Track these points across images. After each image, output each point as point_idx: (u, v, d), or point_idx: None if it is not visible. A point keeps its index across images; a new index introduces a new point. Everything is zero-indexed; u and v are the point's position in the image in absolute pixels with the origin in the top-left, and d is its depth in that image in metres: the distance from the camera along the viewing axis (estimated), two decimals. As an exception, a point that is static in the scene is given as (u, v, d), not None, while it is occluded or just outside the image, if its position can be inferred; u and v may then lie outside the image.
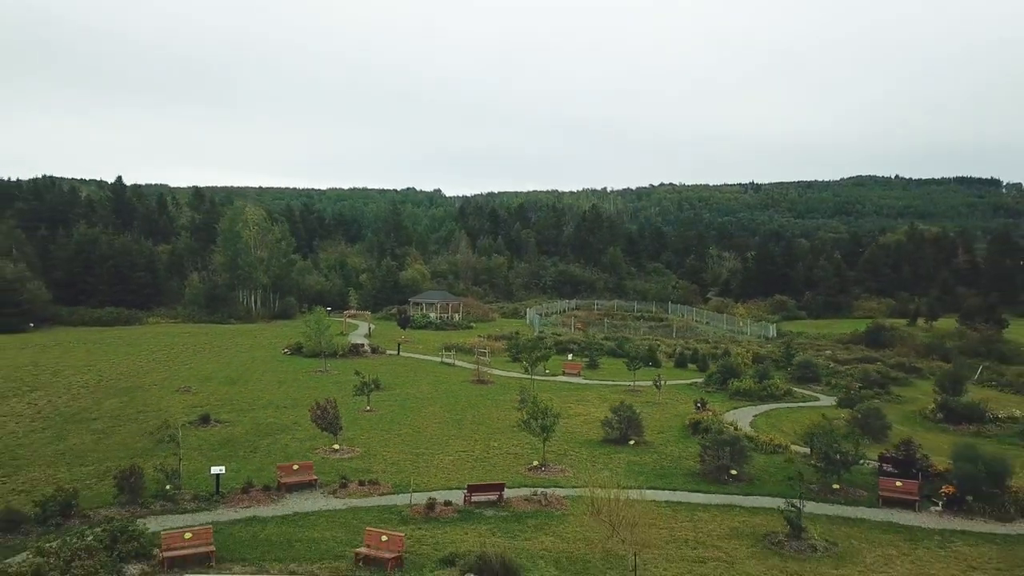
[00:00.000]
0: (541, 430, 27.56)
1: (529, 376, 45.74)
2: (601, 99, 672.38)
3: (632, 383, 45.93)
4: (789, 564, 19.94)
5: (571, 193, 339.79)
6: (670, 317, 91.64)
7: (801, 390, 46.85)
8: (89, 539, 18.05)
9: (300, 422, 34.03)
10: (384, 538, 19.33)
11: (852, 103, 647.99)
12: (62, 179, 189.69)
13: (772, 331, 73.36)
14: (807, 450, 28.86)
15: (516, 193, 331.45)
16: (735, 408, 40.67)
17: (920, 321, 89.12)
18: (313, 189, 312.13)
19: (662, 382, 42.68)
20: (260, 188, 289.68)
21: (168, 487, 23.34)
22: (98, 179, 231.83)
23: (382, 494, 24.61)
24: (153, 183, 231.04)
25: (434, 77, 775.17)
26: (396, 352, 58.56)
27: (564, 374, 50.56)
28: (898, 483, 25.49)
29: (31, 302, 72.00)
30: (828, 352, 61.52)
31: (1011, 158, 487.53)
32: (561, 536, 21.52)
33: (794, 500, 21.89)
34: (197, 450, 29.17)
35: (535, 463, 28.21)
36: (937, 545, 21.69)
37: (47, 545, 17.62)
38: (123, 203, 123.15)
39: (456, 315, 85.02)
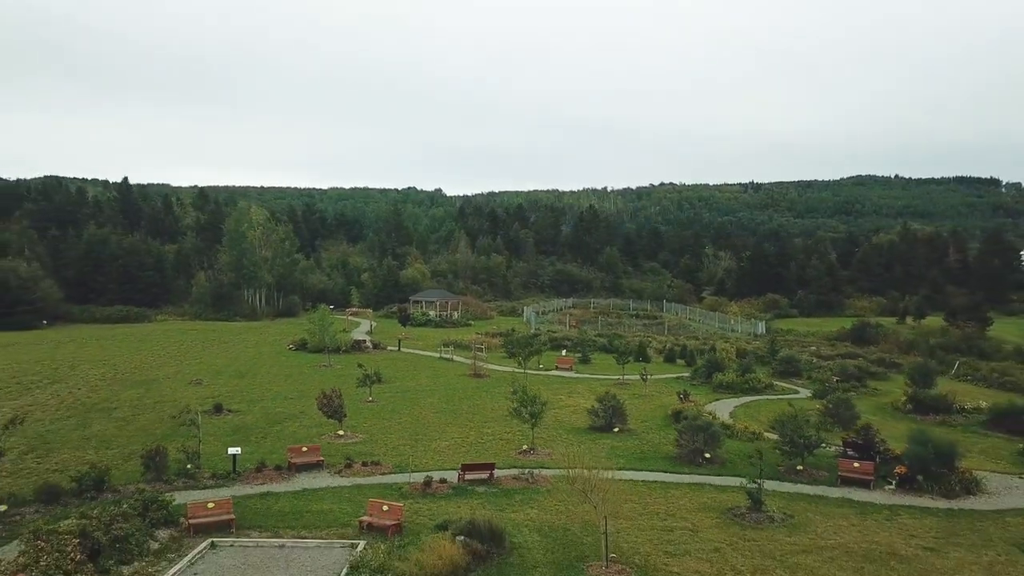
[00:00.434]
0: (530, 416, 29.89)
1: (523, 370, 48.05)
2: (601, 99, 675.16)
3: (621, 377, 48.26)
4: (747, 532, 22.26)
5: (571, 193, 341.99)
6: (664, 315, 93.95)
7: (783, 384, 49.17)
8: (124, 507, 20.42)
9: (307, 411, 36.45)
10: (385, 508, 21.69)
11: (852, 103, 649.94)
12: (64, 178, 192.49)
13: (761, 328, 75.67)
14: (777, 436, 31.14)
15: (517, 192, 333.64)
16: (718, 400, 42.98)
17: (909, 319, 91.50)
18: (314, 189, 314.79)
19: (648, 376, 44.96)
20: (261, 187, 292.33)
21: (189, 466, 25.70)
22: (100, 178, 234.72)
23: (383, 473, 26.98)
24: (155, 183, 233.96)
25: (435, 76, 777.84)
26: (397, 348, 60.95)
27: (557, 368, 52.92)
28: (856, 464, 27.83)
29: (44, 300, 74.59)
30: (813, 348, 63.84)
31: (1010, 158, 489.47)
32: (545, 509, 23.86)
33: (755, 478, 24.20)
34: (212, 436, 31.50)
35: (524, 447, 30.56)
36: (885, 518, 24.00)
37: (89, 510, 19.96)
38: (130, 204, 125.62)
39: (455, 313, 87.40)
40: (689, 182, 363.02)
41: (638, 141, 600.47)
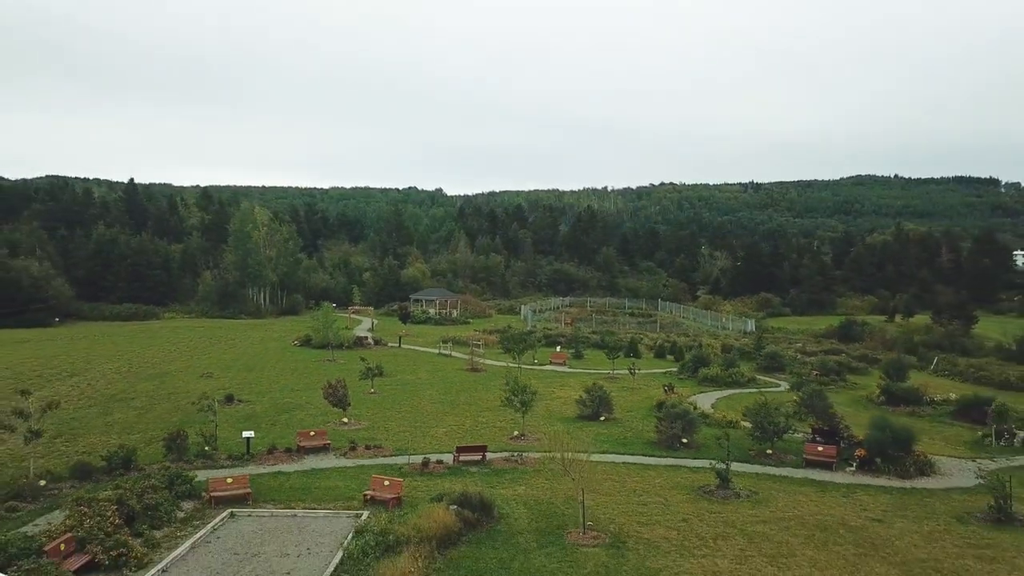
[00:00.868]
0: (520, 405, 32.20)
1: (517, 364, 50.36)
2: (601, 99, 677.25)
3: (611, 371, 50.59)
4: (714, 506, 24.59)
5: (572, 192, 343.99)
6: (658, 314, 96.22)
7: (767, 378, 51.48)
8: (153, 481, 22.79)
9: (312, 401, 38.82)
10: (386, 483, 24.04)
11: (852, 103, 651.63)
12: (67, 178, 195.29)
13: (751, 326, 77.95)
14: (750, 423, 33.45)
15: (517, 192, 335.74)
16: (702, 392, 45.30)
17: (898, 317, 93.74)
18: (316, 188, 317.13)
19: (636, 370, 47.28)
20: (263, 187, 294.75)
21: (207, 448, 28.06)
22: (102, 178, 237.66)
23: (385, 456, 29.33)
24: (157, 182, 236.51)
25: (435, 76, 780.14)
26: (397, 344, 63.31)
27: (551, 364, 55.24)
28: (820, 448, 30.17)
29: (56, 298, 77.00)
30: (799, 345, 66.16)
31: (1010, 158, 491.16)
32: (532, 487, 26.19)
33: (723, 459, 26.54)
34: (225, 423, 33.80)
35: (516, 433, 32.90)
36: (842, 495, 26.32)
37: (123, 483, 22.32)
38: (136, 204, 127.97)
39: (454, 311, 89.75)
40: (689, 182, 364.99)
41: (638, 141, 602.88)
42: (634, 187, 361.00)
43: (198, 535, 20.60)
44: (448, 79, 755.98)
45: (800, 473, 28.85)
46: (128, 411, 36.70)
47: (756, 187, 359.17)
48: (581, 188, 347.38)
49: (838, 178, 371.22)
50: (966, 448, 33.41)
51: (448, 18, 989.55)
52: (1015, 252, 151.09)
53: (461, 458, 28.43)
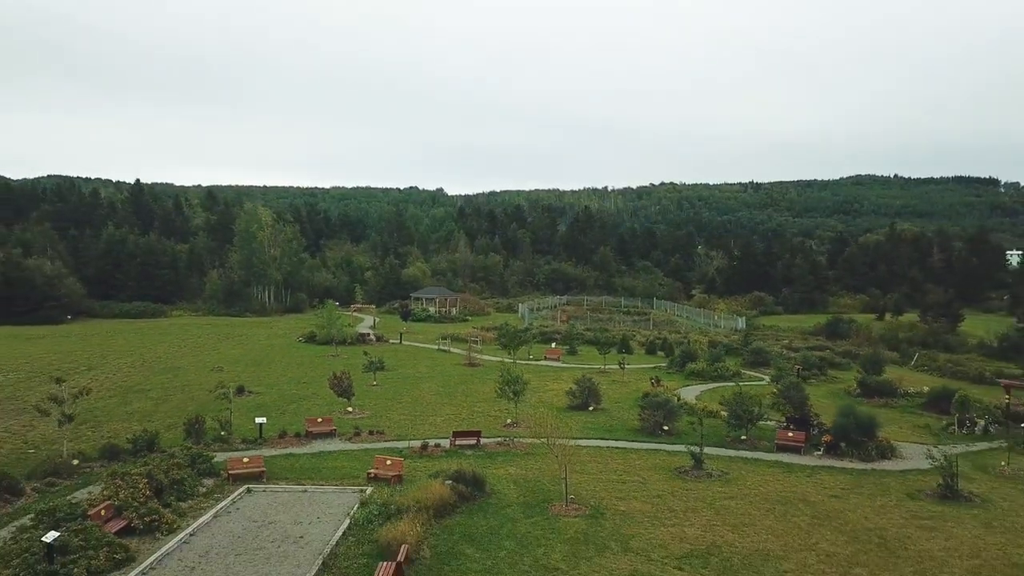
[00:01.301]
0: (513, 394, 34.57)
1: (512, 359, 52.70)
2: (602, 98, 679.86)
3: (602, 366, 52.93)
4: (688, 484, 26.93)
5: (572, 192, 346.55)
6: (652, 312, 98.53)
7: (752, 372, 53.79)
8: (177, 459, 25.16)
9: (318, 393, 41.21)
10: (388, 462, 26.41)
11: (852, 103, 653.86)
12: (70, 178, 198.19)
13: (741, 324, 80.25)
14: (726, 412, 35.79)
15: (518, 192, 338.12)
16: (688, 385, 47.65)
17: (887, 316, 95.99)
18: (317, 188, 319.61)
19: (625, 364, 49.62)
20: (265, 187, 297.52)
21: (223, 433, 30.44)
22: (103, 177, 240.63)
23: (387, 440, 31.71)
24: (159, 182, 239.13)
25: (436, 76, 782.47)
26: (398, 341, 65.69)
27: (546, 359, 57.60)
28: (790, 434, 32.51)
29: (68, 297, 79.48)
30: (785, 341, 68.46)
31: (1009, 158, 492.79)
32: (521, 467, 28.54)
33: (697, 442, 28.90)
34: (238, 412, 36.07)
35: (509, 421, 35.25)
36: (807, 475, 28.66)
37: (151, 460, 24.70)
38: (142, 204, 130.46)
39: (454, 309, 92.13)
40: (689, 182, 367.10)
41: (638, 141, 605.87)
42: (634, 187, 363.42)
43: (219, 506, 22.96)
44: (449, 79, 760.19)
45: (771, 457, 31.17)
46: (145, 401, 39.12)
47: (756, 187, 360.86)
48: (581, 188, 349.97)
49: (838, 178, 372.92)
50: (931, 436, 35.69)
51: (448, 18, 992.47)
52: (1008, 252, 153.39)
53: (457, 442, 30.79)
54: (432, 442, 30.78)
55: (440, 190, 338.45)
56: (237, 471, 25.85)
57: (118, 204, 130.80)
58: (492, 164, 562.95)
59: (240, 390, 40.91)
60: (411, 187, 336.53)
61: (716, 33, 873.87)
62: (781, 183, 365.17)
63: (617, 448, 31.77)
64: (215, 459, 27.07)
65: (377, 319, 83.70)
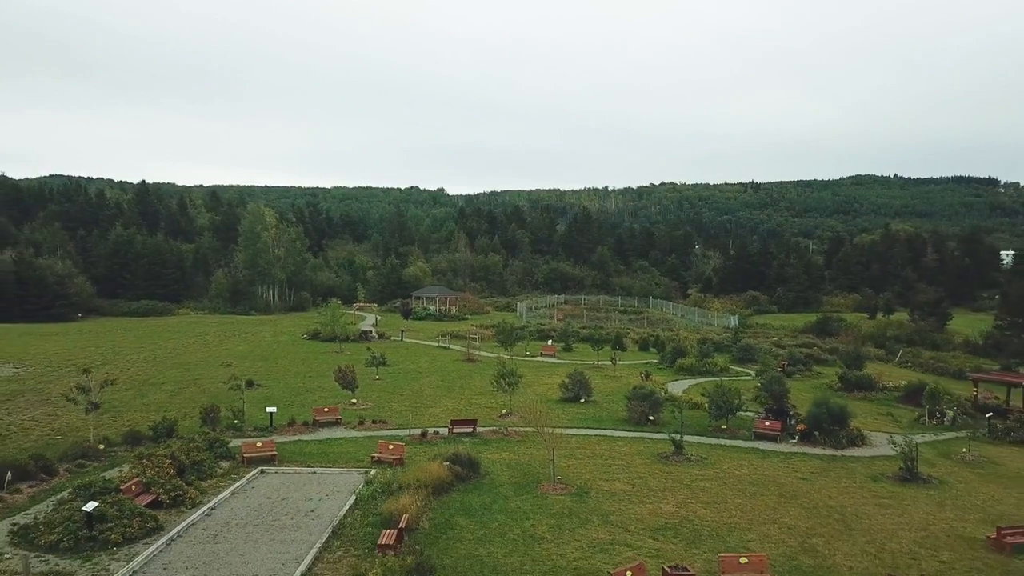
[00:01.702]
0: (508, 386, 36.69)
1: (508, 355, 54.83)
2: (602, 98, 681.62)
3: (595, 362, 55.04)
4: (668, 467, 29.06)
5: (573, 192, 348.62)
6: (648, 311, 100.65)
7: (740, 368, 55.92)
8: (197, 443, 27.33)
9: (323, 386, 43.34)
10: (391, 447, 28.55)
11: (851, 102, 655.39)
12: (71, 177, 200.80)
13: (733, 322, 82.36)
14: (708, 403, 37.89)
15: (519, 192, 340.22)
16: (677, 380, 49.76)
17: (879, 315, 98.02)
18: (318, 188, 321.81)
19: (617, 360, 51.74)
20: (266, 186, 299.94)
21: (236, 421, 32.58)
22: (105, 177, 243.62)
23: (389, 429, 33.82)
24: (162, 181, 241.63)
25: (438, 76, 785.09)
26: (400, 338, 67.83)
27: (541, 355, 59.74)
28: (767, 423, 34.64)
29: (78, 295, 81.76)
30: (774, 339, 70.55)
31: (1009, 157, 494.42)
32: (514, 452, 30.67)
33: (677, 429, 31.03)
34: (248, 403, 38.17)
35: (504, 412, 37.37)
36: (780, 460, 30.78)
37: (172, 444, 26.86)
38: (148, 205, 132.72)
39: (453, 308, 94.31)
40: (690, 182, 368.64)
41: (639, 141, 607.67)
42: (635, 187, 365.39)
43: (236, 484, 25.10)
44: (450, 78, 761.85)
45: (748, 444, 33.30)
46: (160, 393, 41.29)
47: (756, 187, 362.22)
48: (582, 188, 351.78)
49: (838, 178, 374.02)
50: (902, 426, 37.80)
51: (449, 18, 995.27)
52: (1002, 252, 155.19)
53: (455, 430, 32.92)
54: (431, 430, 32.91)
55: (441, 190, 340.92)
56: (251, 454, 27.99)
57: (124, 205, 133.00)
58: (493, 164, 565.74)
59: (249, 383, 43.00)
60: (412, 187, 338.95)
61: (716, 33, 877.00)
62: (781, 183, 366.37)
63: (605, 436, 33.89)
64: (230, 444, 29.23)
65: (379, 317, 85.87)
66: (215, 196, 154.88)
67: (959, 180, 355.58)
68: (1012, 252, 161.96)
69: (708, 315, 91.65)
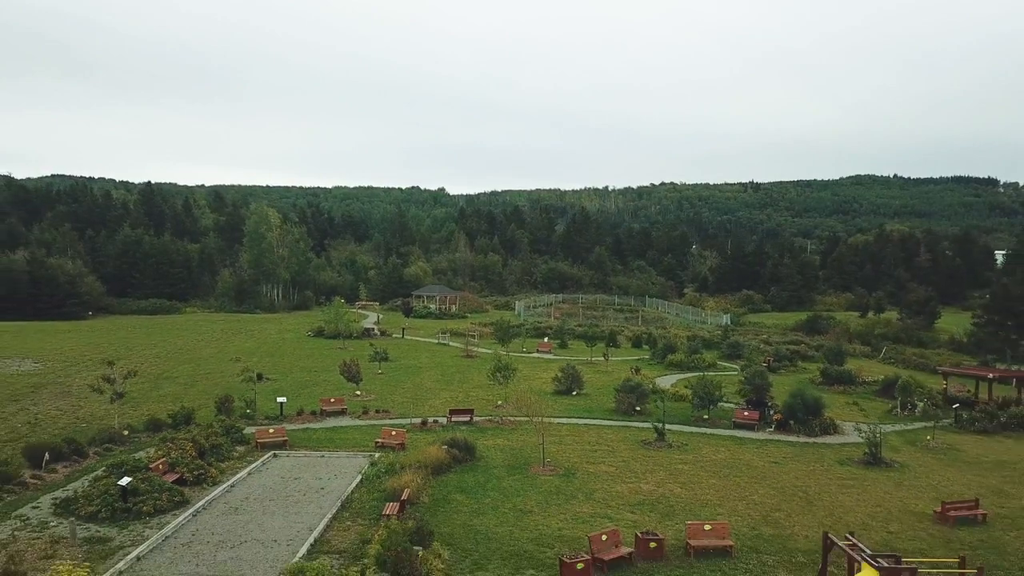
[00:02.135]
0: (503, 379, 38.98)
1: (505, 351, 57.13)
2: (602, 98, 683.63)
3: (589, 358, 57.34)
4: (650, 452, 31.34)
5: (573, 192, 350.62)
6: (644, 309, 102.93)
7: (728, 364, 58.18)
8: (215, 429, 29.65)
9: (329, 380, 45.66)
10: (393, 433, 30.86)
11: (851, 102, 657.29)
12: (75, 177, 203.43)
13: (726, 320, 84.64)
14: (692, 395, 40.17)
15: (519, 192, 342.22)
16: (666, 375, 52.05)
17: (871, 313, 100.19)
18: (319, 188, 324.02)
19: (609, 356, 54.02)
20: (268, 186, 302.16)
21: (248, 410, 34.90)
22: (108, 177, 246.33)
23: (392, 418, 36.13)
24: (164, 181, 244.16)
25: (439, 76, 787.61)
26: (401, 335, 70.13)
27: (538, 352, 62.04)
28: (746, 412, 36.92)
29: (88, 294, 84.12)
30: (764, 336, 72.82)
31: (1008, 157, 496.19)
32: (508, 439, 32.96)
33: (659, 418, 33.31)
34: (258, 394, 40.54)
35: (499, 403, 39.64)
36: (755, 447, 33.05)
37: (191, 429, 29.18)
38: (153, 206, 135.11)
39: (453, 307, 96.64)
40: (689, 182, 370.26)
41: (639, 141, 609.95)
42: (635, 187, 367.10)
43: (252, 466, 27.40)
44: (451, 78, 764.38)
45: (728, 432, 35.58)
46: (174, 386, 43.63)
47: (756, 187, 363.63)
48: (582, 188, 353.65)
49: (837, 178, 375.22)
50: (876, 416, 40.03)
51: (450, 18, 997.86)
52: (997, 252, 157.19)
53: (453, 419, 35.21)
54: (431, 419, 35.21)
55: (442, 189, 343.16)
56: (264, 440, 30.30)
57: (131, 206, 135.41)
58: (494, 164, 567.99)
59: (259, 377, 45.29)
60: (413, 187, 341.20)
61: (716, 33, 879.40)
62: (781, 183, 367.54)
63: (593, 425, 36.18)
64: (245, 430, 31.53)
65: (380, 315, 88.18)
66: (219, 196, 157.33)
67: (959, 180, 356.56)
68: (1005, 252, 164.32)
69: (702, 314, 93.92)
